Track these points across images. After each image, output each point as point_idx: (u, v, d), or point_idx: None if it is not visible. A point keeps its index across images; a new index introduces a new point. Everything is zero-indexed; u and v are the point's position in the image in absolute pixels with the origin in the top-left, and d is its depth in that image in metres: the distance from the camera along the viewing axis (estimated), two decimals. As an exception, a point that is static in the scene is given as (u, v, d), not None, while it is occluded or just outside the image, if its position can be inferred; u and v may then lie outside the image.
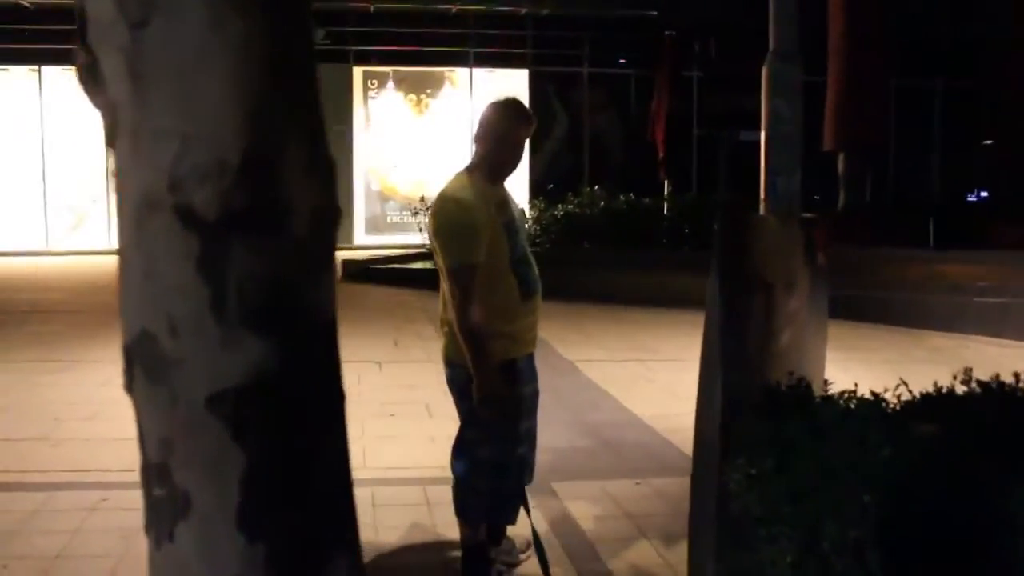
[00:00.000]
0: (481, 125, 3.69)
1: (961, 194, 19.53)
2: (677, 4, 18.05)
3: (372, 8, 19.45)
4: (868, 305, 10.83)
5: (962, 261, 10.66)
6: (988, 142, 16.94)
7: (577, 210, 14.59)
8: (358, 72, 19.97)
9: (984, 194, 18.38)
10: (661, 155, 14.91)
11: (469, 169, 3.72)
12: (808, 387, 2.65)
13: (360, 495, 4.89)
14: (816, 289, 3.38)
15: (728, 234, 2.86)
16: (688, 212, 13.96)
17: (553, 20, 20.02)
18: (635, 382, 7.80)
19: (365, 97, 20.06)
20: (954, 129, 19.71)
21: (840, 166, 13.45)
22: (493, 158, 3.67)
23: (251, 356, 1.56)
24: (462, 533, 3.94)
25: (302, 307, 1.64)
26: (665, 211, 14.55)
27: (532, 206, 15.93)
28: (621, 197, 14.68)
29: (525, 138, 3.75)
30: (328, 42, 19.58)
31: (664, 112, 15.07)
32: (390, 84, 20.10)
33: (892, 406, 2.54)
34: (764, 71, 3.37)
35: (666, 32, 16.05)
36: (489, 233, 3.54)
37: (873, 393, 2.55)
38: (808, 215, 12.63)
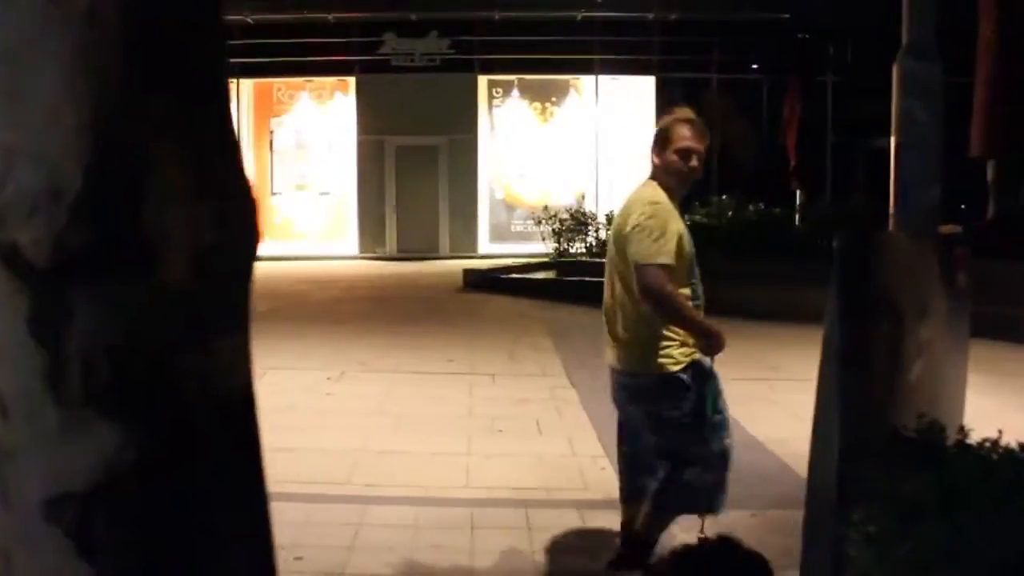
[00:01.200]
0: (654, 135, 3.76)
1: None
2: (809, 6, 17.34)
3: (497, 16, 19.44)
4: (1021, 324, 10.05)
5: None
6: None
7: (705, 220, 14.12)
8: (483, 81, 20.00)
9: None
10: (793, 163, 14.32)
11: (652, 177, 3.76)
12: (941, 432, 2.30)
13: (459, 516, 4.74)
14: (955, 316, 3.00)
15: (850, 254, 2.53)
16: (821, 223, 13.31)
17: (680, 25, 19.59)
18: (757, 402, 7.38)
19: (490, 106, 20.06)
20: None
21: (990, 174, 12.59)
22: (665, 169, 3.67)
23: (102, 447, 1.15)
24: (652, 528, 3.84)
25: (181, 380, 1.19)
26: (797, 222, 13.94)
27: (657, 215, 15.54)
28: (751, 207, 14.15)
29: (694, 149, 3.67)
30: (453, 51, 19.68)
31: (796, 119, 14.49)
32: (515, 92, 20.07)
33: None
34: (895, 69, 3.01)
35: (798, 35, 15.43)
36: (677, 241, 3.56)
37: (1022, 445, 2.18)
38: (948, 229, 11.86)
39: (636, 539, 3.89)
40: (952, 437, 2.43)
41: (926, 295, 2.78)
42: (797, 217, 14.03)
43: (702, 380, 3.66)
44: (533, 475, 5.45)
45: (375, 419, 6.65)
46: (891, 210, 2.89)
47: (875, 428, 2.53)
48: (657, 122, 3.83)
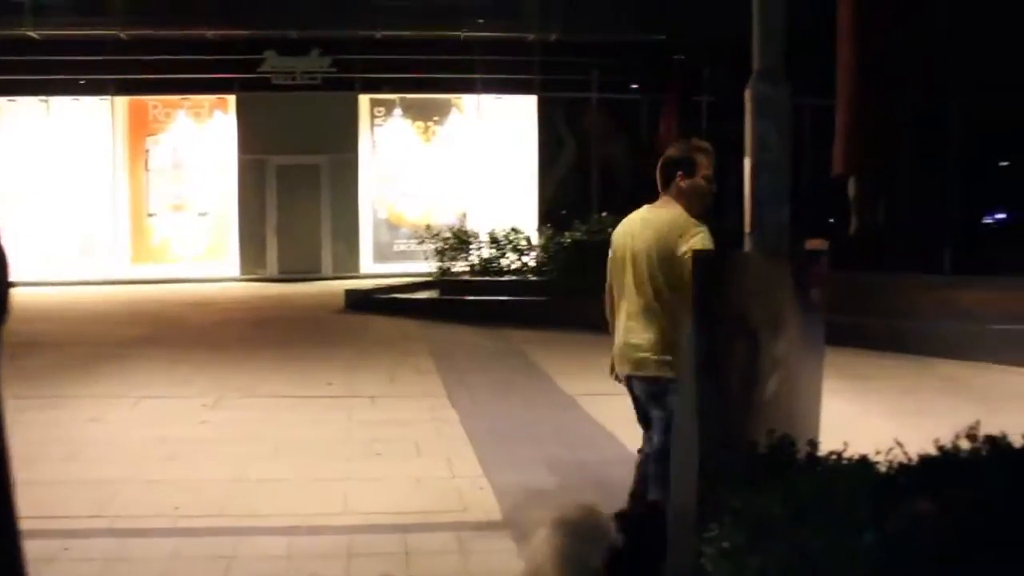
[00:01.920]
0: (677, 162, 4.17)
1: (977, 218, 19.14)
2: (686, 28, 17.83)
3: (378, 35, 19.37)
4: (881, 333, 10.52)
5: (978, 287, 10.36)
6: (1005, 163, 16.62)
7: (584, 237, 14.31)
8: (364, 100, 19.87)
9: (1001, 216, 18.00)
10: (670, 181, 14.62)
11: (671, 198, 4.17)
12: (791, 447, 2.36)
13: (336, 544, 4.64)
14: (809, 331, 3.09)
15: (705, 272, 2.59)
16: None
17: (560, 46, 19.86)
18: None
19: (372, 124, 19.94)
20: (974, 149, 19.34)
21: (851, 191, 13.13)
22: (692, 191, 4.12)
23: None
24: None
25: None
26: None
27: (540, 233, 15.69)
28: (629, 224, 14.39)
29: (712, 176, 4.11)
30: (334, 70, 19.51)
31: (673, 137, 14.80)
32: (397, 111, 19.99)
33: (887, 470, 2.25)
34: (747, 93, 3.12)
35: (674, 56, 15.83)
36: None
37: (864, 458, 2.25)
38: (815, 244, 12.19)
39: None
40: (804, 450, 2.50)
41: (780, 311, 2.86)
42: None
43: None
44: (412, 498, 5.40)
45: (251, 446, 6.49)
46: (746, 229, 2.98)
47: (732, 443, 2.58)
48: (674, 150, 4.19)
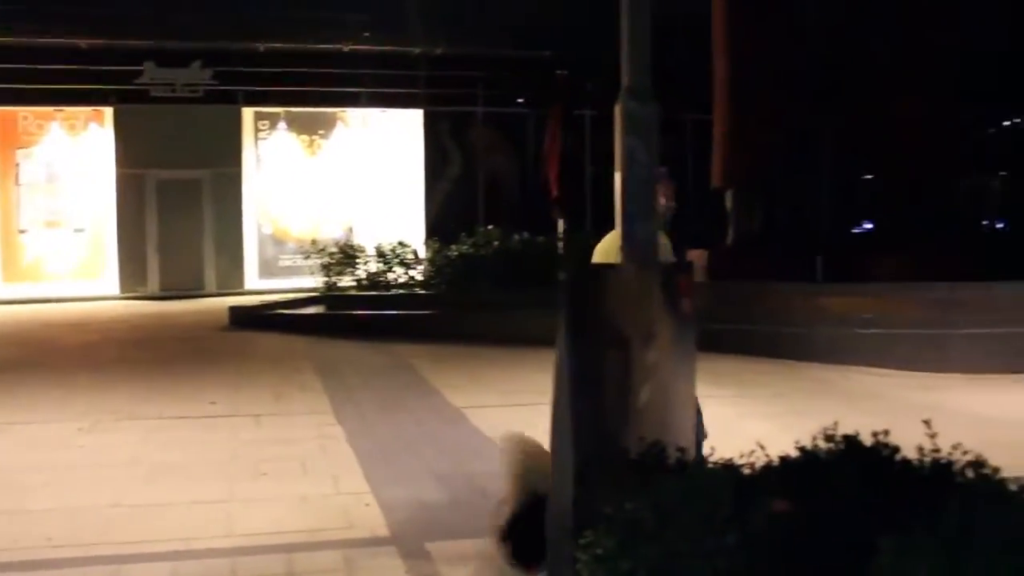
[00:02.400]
0: None
1: (847, 227, 19.98)
2: (570, 43, 18.14)
3: (262, 47, 19.09)
4: (757, 339, 10.89)
5: (846, 293, 10.82)
6: (869, 176, 17.40)
7: (471, 250, 14.41)
8: (248, 113, 19.54)
9: (869, 226, 18.85)
10: (554, 194, 14.83)
11: None
12: (661, 453, 2.44)
13: (219, 567, 4.56)
14: (680, 340, 3.20)
15: (577, 285, 2.66)
16: (582, 251, 13.87)
17: (446, 60, 19.95)
18: (525, 428, 7.55)
19: (256, 138, 19.61)
20: (842, 162, 20.20)
21: (728, 202, 13.58)
22: None
23: None
24: None
25: None
26: (559, 250, 14.46)
27: (427, 247, 15.70)
28: (516, 237, 14.55)
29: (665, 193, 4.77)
30: (216, 82, 19.14)
31: (557, 151, 15.01)
32: (281, 124, 19.72)
33: (750, 472, 2.35)
34: (616, 110, 3.23)
35: (558, 71, 16.06)
36: None
37: (729, 461, 2.35)
38: (695, 255, 12.64)
39: None
40: (674, 456, 2.59)
41: (651, 322, 2.96)
42: (560, 245, 14.54)
43: None
44: (297, 518, 5.33)
45: (130, 470, 6.30)
46: (618, 243, 3.08)
47: (606, 451, 2.66)
48: None
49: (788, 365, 10.20)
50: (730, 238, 13.52)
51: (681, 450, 2.48)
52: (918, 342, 8.27)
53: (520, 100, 20.87)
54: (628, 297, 2.86)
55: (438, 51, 19.75)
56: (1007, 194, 21.27)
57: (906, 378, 9.23)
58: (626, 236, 3.00)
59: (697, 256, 13.12)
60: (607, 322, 2.77)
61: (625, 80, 3.21)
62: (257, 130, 19.62)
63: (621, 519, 2.15)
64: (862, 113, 14.19)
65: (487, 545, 4.78)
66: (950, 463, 2.28)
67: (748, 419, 7.23)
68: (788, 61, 13.20)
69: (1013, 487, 2.14)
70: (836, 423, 2.74)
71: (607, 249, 4.58)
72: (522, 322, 11.76)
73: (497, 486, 5.91)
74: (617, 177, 3.11)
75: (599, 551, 2.22)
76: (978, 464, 2.18)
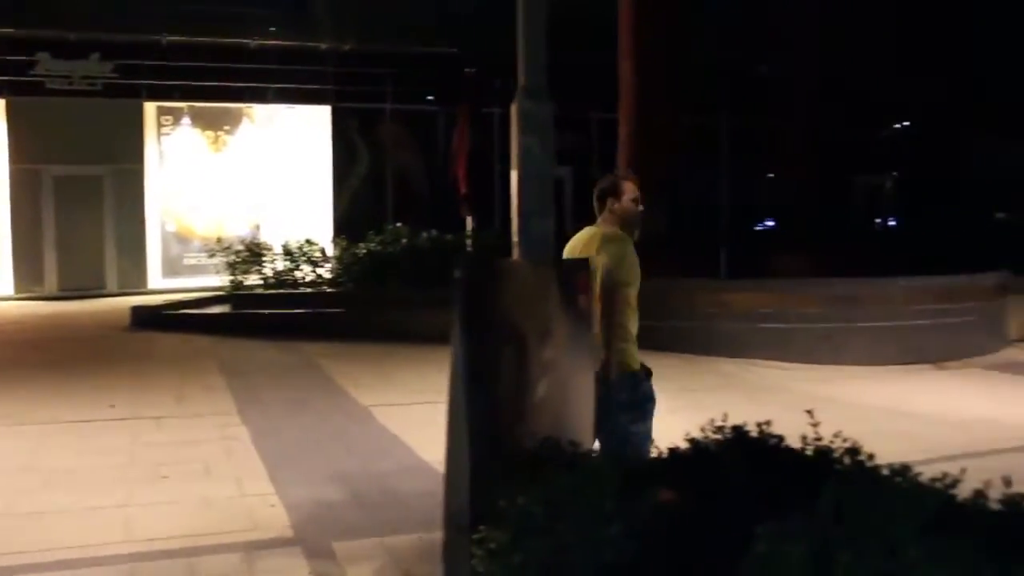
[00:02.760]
0: (604, 190, 4.76)
1: (749, 224, 20.55)
2: (480, 41, 18.16)
3: (165, 41, 18.63)
4: (663, 335, 11.07)
5: (748, 289, 11.12)
6: (771, 175, 17.93)
7: (379, 248, 14.32)
8: (151, 108, 19.04)
9: (771, 223, 19.40)
10: (463, 192, 14.86)
11: (603, 221, 4.72)
12: (555, 448, 2.48)
13: (117, 573, 4.44)
14: (577, 336, 3.25)
15: (471, 281, 2.67)
16: (491, 248, 13.93)
17: (354, 56, 19.76)
18: (432, 426, 7.55)
19: (159, 134, 19.13)
20: (741, 163, 20.77)
21: (636, 200, 13.79)
22: (624, 213, 4.70)
23: None
24: None
25: None
26: (468, 247, 14.49)
27: (334, 244, 15.54)
28: (424, 234, 14.52)
29: (640, 197, 4.75)
30: (117, 75, 18.61)
31: (465, 149, 15.04)
32: (185, 120, 19.26)
33: (641, 464, 2.40)
34: (514, 108, 3.25)
35: (466, 69, 16.09)
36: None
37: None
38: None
39: None
40: (569, 451, 2.63)
41: (547, 318, 2.99)
42: (468, 243, 14.57)
43: None
44: (199, 520, 5.24)
45: (22, 477, 6.10)
46: (514, 239, 3.10)
47: (502, 447, 2.68)
48: (603, 182, 4.74)
49: (693, 360, 10.42)
50: (635, 235, 13.75)
51: (575, 444, 2.51)
52: (816, 336, 8.53)
53: (430, 97, 20.81)
54: (525, 293, 2.89)
55: (346, 47, 19.56)
56: (898, 193, 22.11)
57: (806, 371, 9.52)
58: (522, 232, 3.03)
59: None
60: (503, 318, 2.80)
61: (521, 80, 3.25)
62: (160, 125, 19.13)
63: (513, 513, 2.17)
64: (760, 115, 14.60)
65: (393, 543, 4.79)
66: (831, 451, 2.37)
67: (658, 413, 7.36)
68: (692, 63, 13.48)
69: (886, 472, 2.23)
70: (726, 415, 2.82)
71: (574, 247, 4.68)
72: (430, 320, 11.70)
73: (403, 483, 5.93)
74: (513, 175, 3.14)
75: (492, 545, 2.25)
76: (854, 451, 2.27)
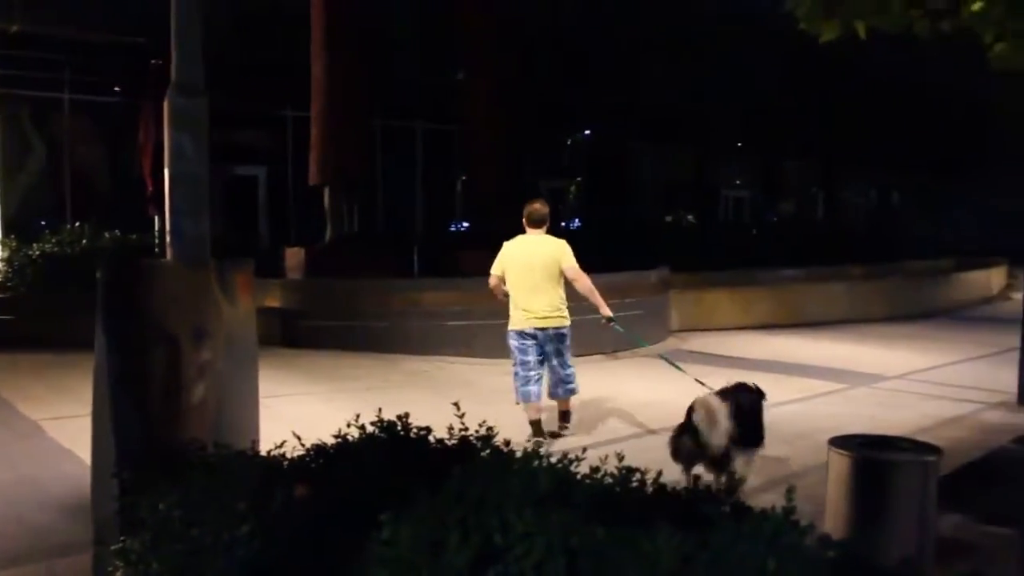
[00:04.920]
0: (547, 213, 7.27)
1: (444, 225, 21.13)
2: (168, 31, 17.30)
3: None
4: (355, 334, 11.16)
5: (437, 288, 11.42)
6: (463, 178, 18.53)
7: (56, 249, 13.27)
8: None
9: (466, 225, 20.05)
10: (150, 189, 14.11)
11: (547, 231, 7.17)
12: (201, 451, 2.46)
13: None
14: (240, 336, 3.22)
15: (116, 283, 2.58)
16: (148, 249, 13.36)
17: (26, 39, 18.15)
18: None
19: None
20: (437, 166, 21.33)
21: (326, 200, 13.76)
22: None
23: None
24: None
25: None
26: (156, 248, 13.79)
27: (3, 246, 14.22)
28: (107, 234, 13.64)
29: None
30: None
31: (152, 144, 14.28)
32: None
33: (288, 462, 2.44)
34: (166, 105, 3.17)
35: (152, 61, 15.27)
36: None
37: (272, 451, 2.42)
38: (293, 252, 12.72)
39: (566, 412, 7.20)
40: (220, 453, 2.60)
41: (204, 319, 2.95)
42: (158, 243, 13.87)
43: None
44: None
45: None
46: (167, 239, 3.02)
47: (153, 454, 2.61)
48: (544, 207, 7.18)
49: (385, 358, 10.56)
50: (328, 235, 13.71)
51: (221, 446, 2.50)
52: (500, 332, 8.86)
53: (116, 88, 19.54)
54: (176, 294, 2.83)
55: (14, 28, 17.92)
56: (580, 196, 23.61)
57: (491, 365, 9.92)
58: (174, 233, 2.96)
59: (295, 253, 13.17)
60: (152, 320, 2.72)
61: (174, 75, 3.17)
62: None
63: (152, 521, 2.14)
64: (447, 119, 15.06)
65: (50, 566, 4.50)
66: (469, 440, 2.52)
67: (342, 413, 7.40)
68: (384, 65, 13.64)
69: (519, 455, 2.42)
70: (380, 409, 2.92)
71: (523, 248, 7.04)
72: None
73: (75, 499, 5.56)
74: (166, 173, 3.06)
75: (132, 556, 2.20)
76: (487, 439, 2.43)
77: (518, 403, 7.01)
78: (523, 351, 6.96)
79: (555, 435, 6.96)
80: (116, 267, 2.65)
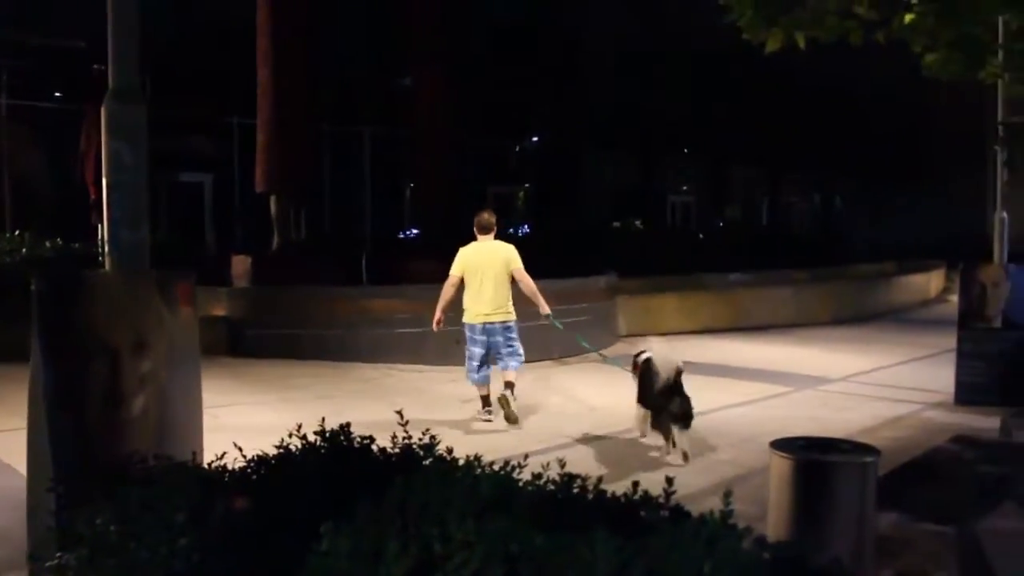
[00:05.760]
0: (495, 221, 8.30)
1: (393, 232, 21.06)
2: (100, 38, 17.04)
3: None
4: (304, 343, 11.07)
5: (388, 296, 11.37)
6: (412, 185, 18.49)
7: (-4, 259, 12.99)
8: None
9: (415, 231, 20.01)
10: (93, 196, 13.88)
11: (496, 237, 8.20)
12: (141, 463, 2.43)
13: None
14: (182, 346, 3.19)
15: (52, 294, 2.54)
16: (92, 258, 13.14)
17: (-43, 42, 17.76)
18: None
19: None
20: (385, 173, 21.26)
21: (273, 208, 13.65)
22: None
23: None
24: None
25: None
26: (100, 257, 13.55)
27: (-65, 257, 13.86)
28: (48, 243, 13.39)
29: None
30: None
31: (94, 151, 14.05)
32: None
33: (229, 473, 2.42)
34: (103, 111, 3.14)
35: (94, 66, 15.03)
36: None
37: (213, 463, 2.40)
38: (239, 260, 12.63)
39: (511, 386, 7.95)
40: (160, 466, 2.58)
41: (143, 330, 2.91)
42: (100, 252, 13.63)
43: None
44: None
45: None
46: (105, 248, 2.98)
47: (92, 468, 2.58)
48: (492, 216, 8.20)
49: (335, 367, 10.50)
50: (275, 243, 13.60)
51: (161, 458, 2.48)
52: (449, 339, 8.90)
53: (58, 94, 19.19)
54: (115, 305, 2.80)
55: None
56: (529, 203, 23.72)
57: (440, 372, 9.93)
58: (111, 242, 2.92)
59: (242, 261, 13.03)
60: (90, 331, 2.69)
61: (111, 81, 3.13)
62: None
63: (90, 536, 2.11)
64: (396, 124, 15.02)
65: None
66: (412, 448, 2.52)
67: (289, 423, 7.32)
68: (331, 71, 13.56)
69: (461, 463, 2.43)
70: (323, 419, 2.91)
71: (479, 253, 8.01)
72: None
73: (10, 516, 5.42)
74: (104, 182, 3.02)
75: (69, 572, 2.17)
76: (429, 447, 2.44)
77: (470, 384, 8.18)
78: (473, 342, 8.03)
79: (502, 401, 7.85)
80: (52, 277, 2.61)
